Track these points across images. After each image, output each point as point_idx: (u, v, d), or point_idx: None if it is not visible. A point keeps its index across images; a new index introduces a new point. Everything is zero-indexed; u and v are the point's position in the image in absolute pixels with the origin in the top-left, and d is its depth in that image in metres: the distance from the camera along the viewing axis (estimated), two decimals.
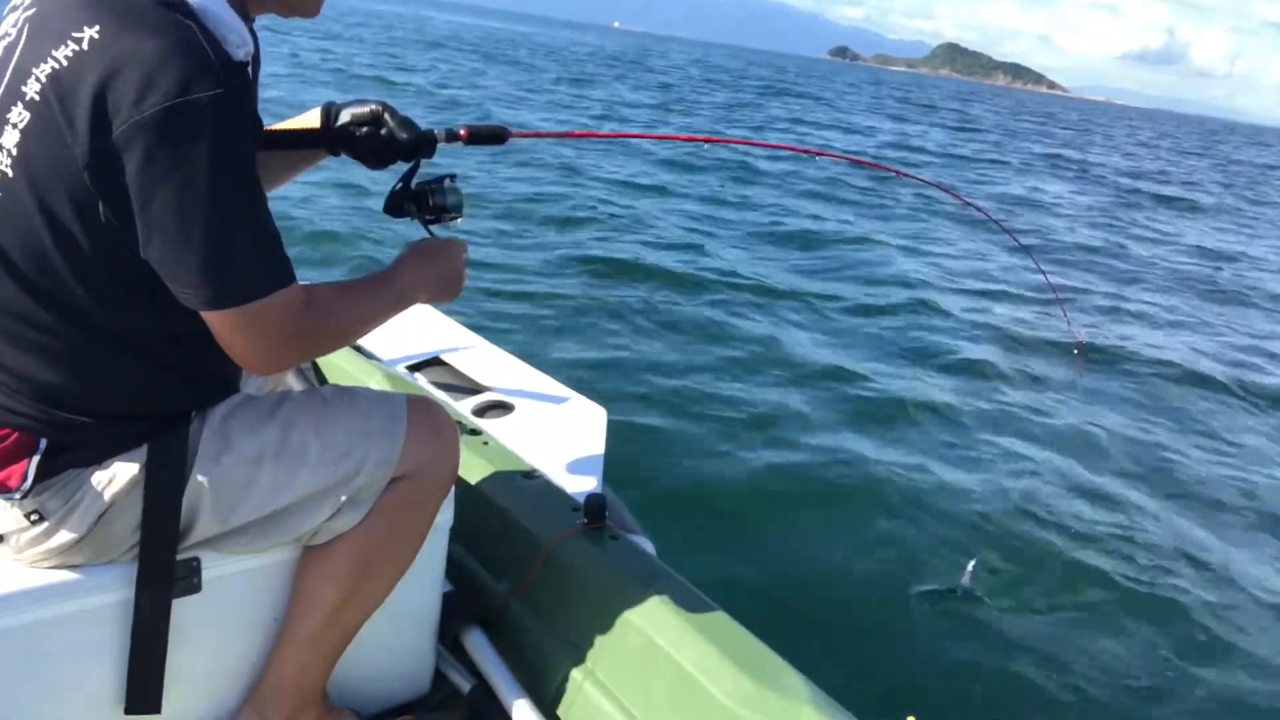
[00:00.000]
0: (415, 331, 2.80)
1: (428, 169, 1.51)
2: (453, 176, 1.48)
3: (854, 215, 12.86)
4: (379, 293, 1.31)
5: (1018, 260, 10.32)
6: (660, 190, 12.84)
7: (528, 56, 44.24)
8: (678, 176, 14.16)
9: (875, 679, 2.96)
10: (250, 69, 1.19)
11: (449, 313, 3.03)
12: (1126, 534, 4.35)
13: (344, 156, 1.50)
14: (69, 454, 1.17)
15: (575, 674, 1.55)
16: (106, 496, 1.19)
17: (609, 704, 1.49)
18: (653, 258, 8.66)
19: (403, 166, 1.50)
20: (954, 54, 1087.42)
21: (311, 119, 1.49)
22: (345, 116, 1.46)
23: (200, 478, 1.23)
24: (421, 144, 1.45)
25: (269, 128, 1.46)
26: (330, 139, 1.47)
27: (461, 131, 1.49)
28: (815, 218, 12.23)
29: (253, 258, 1.09)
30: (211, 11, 1.09)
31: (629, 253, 8.71)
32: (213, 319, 1.11)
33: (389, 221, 1.54)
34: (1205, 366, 7.32)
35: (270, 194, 1.57)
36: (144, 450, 1.20)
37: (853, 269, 9.49)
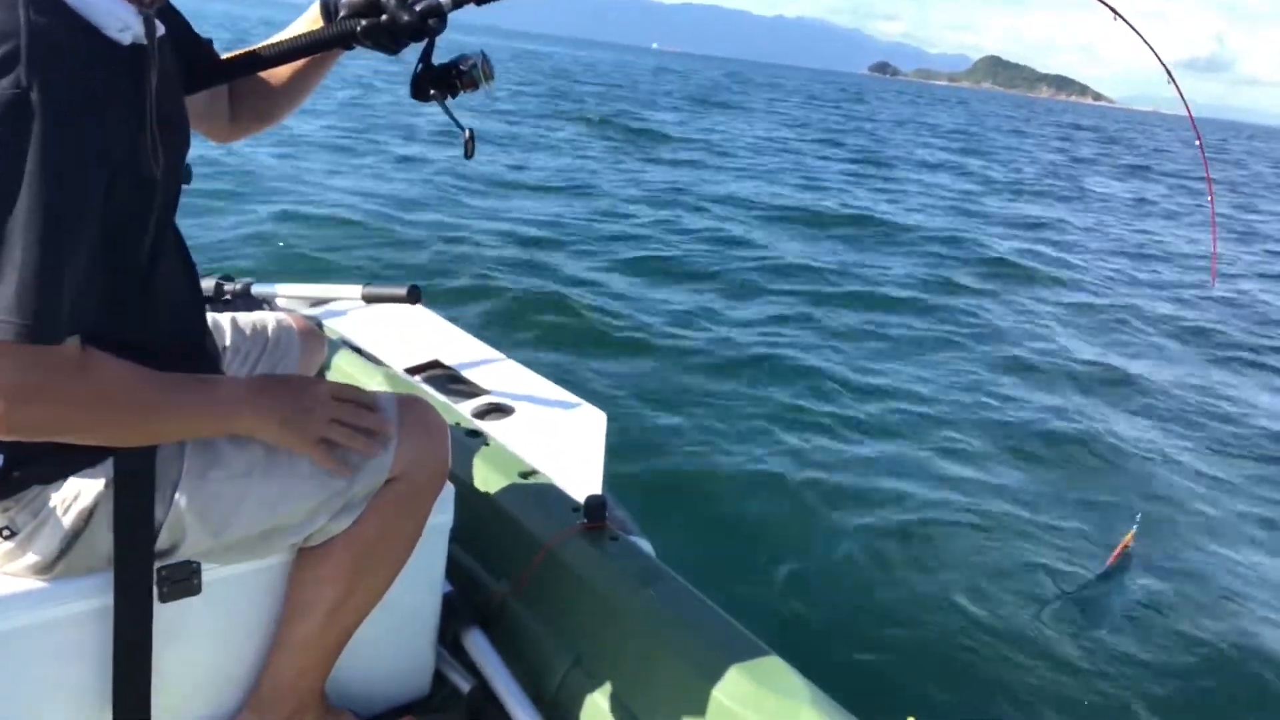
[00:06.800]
0: (415, 334, 2.80)
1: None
2: (482, 53, 1.39)
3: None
4: (190, 389, 1.17)
5: None
6: (679, 172, 12.64)
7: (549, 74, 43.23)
8: (705, 155, 13.82)
9: (875, 679, 2.96)
10: (151, 51, 1.09)
11: (448, 316, 3.04)
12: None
13: (357, 49, 1.39)
14: (31, 470, 1.13)
15: (575, 674, 1.55)
16: (74, 512, 1.15)
17: (609, 704, 1.49)
18: (656, 255, 8.66)
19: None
20: (996, 67, 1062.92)
21: (312, 18, 1.42)
22: (343, 10, 1.36)
23: (188, 493, 1.19)
24: (428, 17, 1.32)
25: (271, 40, 1.39)
26: (337, 36, 1.37)
27: None
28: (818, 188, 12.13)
29: (13, 291, 0.92)
30: None
31: (631, 253, 8.70)
32: None
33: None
34: None
35: (302, 103, 1.51)
36: (110, 465, 1.15)
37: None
